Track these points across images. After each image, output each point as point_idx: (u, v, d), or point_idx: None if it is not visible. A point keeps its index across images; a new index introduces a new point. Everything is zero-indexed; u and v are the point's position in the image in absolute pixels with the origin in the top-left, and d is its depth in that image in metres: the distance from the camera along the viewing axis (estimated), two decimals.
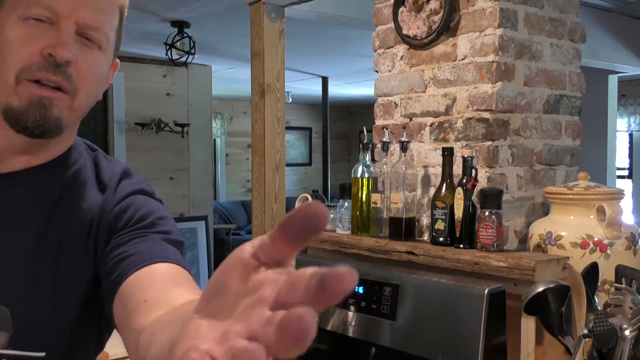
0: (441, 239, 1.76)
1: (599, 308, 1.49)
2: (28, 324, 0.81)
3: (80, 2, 0.82)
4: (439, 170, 1.86)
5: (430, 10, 1.92)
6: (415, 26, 1.95)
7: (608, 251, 1.64)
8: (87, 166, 0.92)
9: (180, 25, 4.19)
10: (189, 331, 0.36)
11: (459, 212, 1.73)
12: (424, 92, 1.99)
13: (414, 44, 1.98)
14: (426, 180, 1.96)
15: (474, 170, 1.72)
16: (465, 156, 1.73)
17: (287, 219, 0.36)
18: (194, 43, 4.29)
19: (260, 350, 0.33)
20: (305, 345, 0.32)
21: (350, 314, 1.79)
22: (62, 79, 0.81)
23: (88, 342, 0.89)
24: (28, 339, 0.80)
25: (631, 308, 1.43)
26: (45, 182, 0.88)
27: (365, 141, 1.97)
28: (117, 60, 0.94)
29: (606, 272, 1.61)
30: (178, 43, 4.28)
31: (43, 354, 0.81)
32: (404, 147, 1.90)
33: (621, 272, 1.57)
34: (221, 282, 0.38)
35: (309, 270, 0.35)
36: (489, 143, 1.80)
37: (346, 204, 2.03)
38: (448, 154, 1.78)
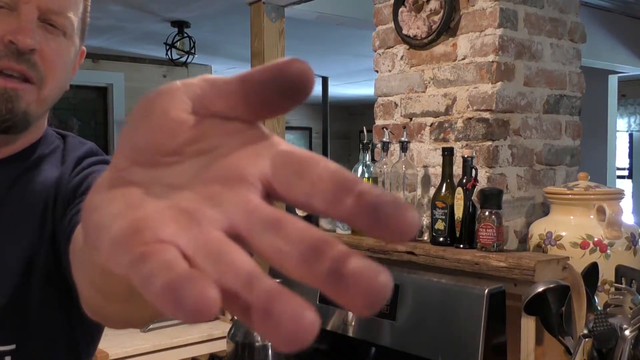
0: (441, 239, 1.76)
1: (599, 308, 1.49)
2: None
3: None
4: (439, 170, 1.86)
5: (430, 10, 1.92)
6: (415, 26, 1.95)
7: (608, 251, 1.64)
8: (54, 152, 0.87)
9: (180, 25, 4.19)
10: (133, 204, 0.26)
11: (459, 212, 1.73)
12: (424, 92, 1.99)
13: (414, 44, 1.98)
14: (426, 180, 1.96)
15: (474, 170, 1.72)
16: (465, 156, 1.73)
17: (256, 76, 0.26)
18: (194, 43, 4.29)
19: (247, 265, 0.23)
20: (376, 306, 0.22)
21: (350, 314, 1.79)
22: (27, 68, 0.76)
23: (60, 335, 0.83)
24: None
25: (631, 308, 1.43)
26: (5, 173, 0.83)
27: (365, 141, 1.97)
28: (84, 47, 0.89)
29: (606, 272, 1.61)
30: (178, 43, 4.28)
31: (13, 346, 0.77)
32: (404, 147, 1.90)
33: (621, 272, 1.57)
34: (144, 138, 0.27)
35: (328, 165, 0.25)
36: (489, 143, 1.80)
37: None
38: (448, 154, 1.78)
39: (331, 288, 0.22)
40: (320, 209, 0.25)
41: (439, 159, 1.83)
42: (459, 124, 1.87)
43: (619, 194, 1.74)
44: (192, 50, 4.35)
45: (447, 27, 1.89)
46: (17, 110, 0.77)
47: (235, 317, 1.80)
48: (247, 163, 0.26)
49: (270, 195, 0.26)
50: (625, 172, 6.26)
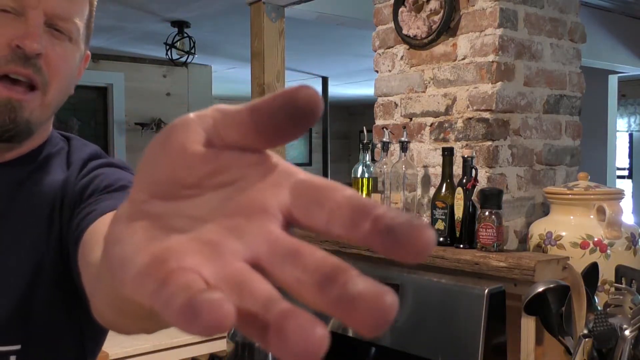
0: (441, 239, 1.76)
1: (599, 308, 1.49)
2: None
3: None
4: (439, 170, 1.86)
5: (430, 10, 1.92)
6: (415, 26, 1.95)
7: (608, 251, 1.64)
8: (58, 155, 0.88)
9: (180, 25, 4.19)
10: (155, 236, 0.26)
11: (459, 212, 1.73)
12: (424, 92, 1.99)
13: (414, 44, 1.98)
14: (426, 180, 1.96)
15: (474, 170, 1.72)
16: (465, 156, 1.73)
17: (265, 105, 0.26)
18: (194, 43, 4.29)
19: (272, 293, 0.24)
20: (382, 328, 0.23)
21: None
22: (32, 72, 0.77)
23: (65, 337, 0.83)
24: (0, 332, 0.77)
25: (631, 308, 1.43)
26: (8, 174, 0.83)
27: (365, 141, 1.97)
28: (89, 52, 0.90)
29: (606, 272, 1.61)
30: (178, 43, 4.28)
31: (19, 346, 0.77)
32: (404, 147, 1.90)
33: (621, 272, 1.57)
34: (163, 172, 0.28)
35: (344, 191, 0.26)
36: (489, 143, 1.80)
37: None
38: (448, 154, 1.78)
39: (341, 311, 0.23)
40: (339, 234, 0.26)
41: (439, 159, 1.83)
42: (459, 124, 1.87)
43: (619, 194, 1.74)
44: (192, 50, 4.35)
45: (447, 27, 1.89)
46: (20, 119, 0.78)
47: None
48: (268, 195, 0.27)
49: (290, 224, 0.27)
50: (625, 172, 6.26)
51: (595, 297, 1.53)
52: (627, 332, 1.39)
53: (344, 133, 10.18)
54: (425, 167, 1.97)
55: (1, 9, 0.76)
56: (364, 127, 2.08)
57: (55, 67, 0.79)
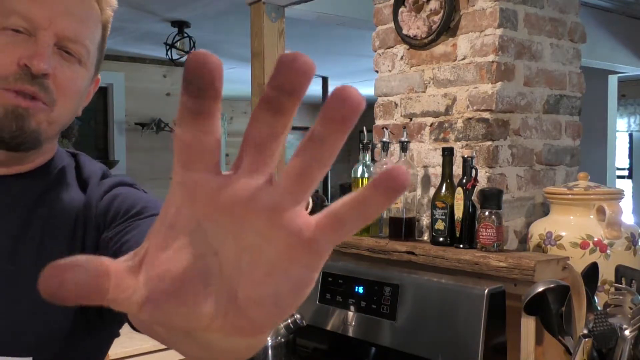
0: (441, 239, 1.76)
1: (598, 308, 1.49)
2: (8, 327, 0.77)
3: (59, 11, 0.79)
4: (439, 170, 1.86)
5: (430, 10, 1.92)
6: (415, 26, 1.95)
7: (608, 251, 1.64)
8: (68, 168, 0.90)
9: (180, 25, 4.19)
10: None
11: (459, 212, 1.73)
12: (424, 92, 1.99)
13: (414, 44, 1.98)
14: (426, 180, 1.96)
15: (474, 170, 1.72)
16: (465, 156, 1.73)
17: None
18: (194, 43, 4.29)
19: None
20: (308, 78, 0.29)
21: (350, 314, 1.79)
22: (39, 90, 0.78)
23: (78, 348, 0.84)
24: (11, 343, 0.77)
25: (631, 308, 1.43)
26: (25, 186, 0.85)
27: (365, 141, 1.97)
28: (99, 76, 0.91)
29: (606, 272, 1.61)
30: (178, 43, 4.28)
31: (30, 358, 0.78)
32: (404, 147, 1.90)
33: (621, 272, 1.57)
34: None
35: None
36: (489, 143, 1.80)
37: None
38: (448, 154, 1.78)
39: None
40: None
41: (439, 159, 1.83)
42: (459, 124, 1.87)
43: (619, 194, 1.74)
44: (192, 50, 4.35)
45: (447, 27, 1.89)
46: (27, 128, 0.79)
47: None
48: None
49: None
50: (625, 172, 6.26)
51: (595, 297, 1.53)
52: (627, 332, 1.39)
53: None
54: (425, 167, 1.97)
55: (14, 28, 0.78)
56: (364, 127, 2.08)
57: (63, 87, 0.81)
